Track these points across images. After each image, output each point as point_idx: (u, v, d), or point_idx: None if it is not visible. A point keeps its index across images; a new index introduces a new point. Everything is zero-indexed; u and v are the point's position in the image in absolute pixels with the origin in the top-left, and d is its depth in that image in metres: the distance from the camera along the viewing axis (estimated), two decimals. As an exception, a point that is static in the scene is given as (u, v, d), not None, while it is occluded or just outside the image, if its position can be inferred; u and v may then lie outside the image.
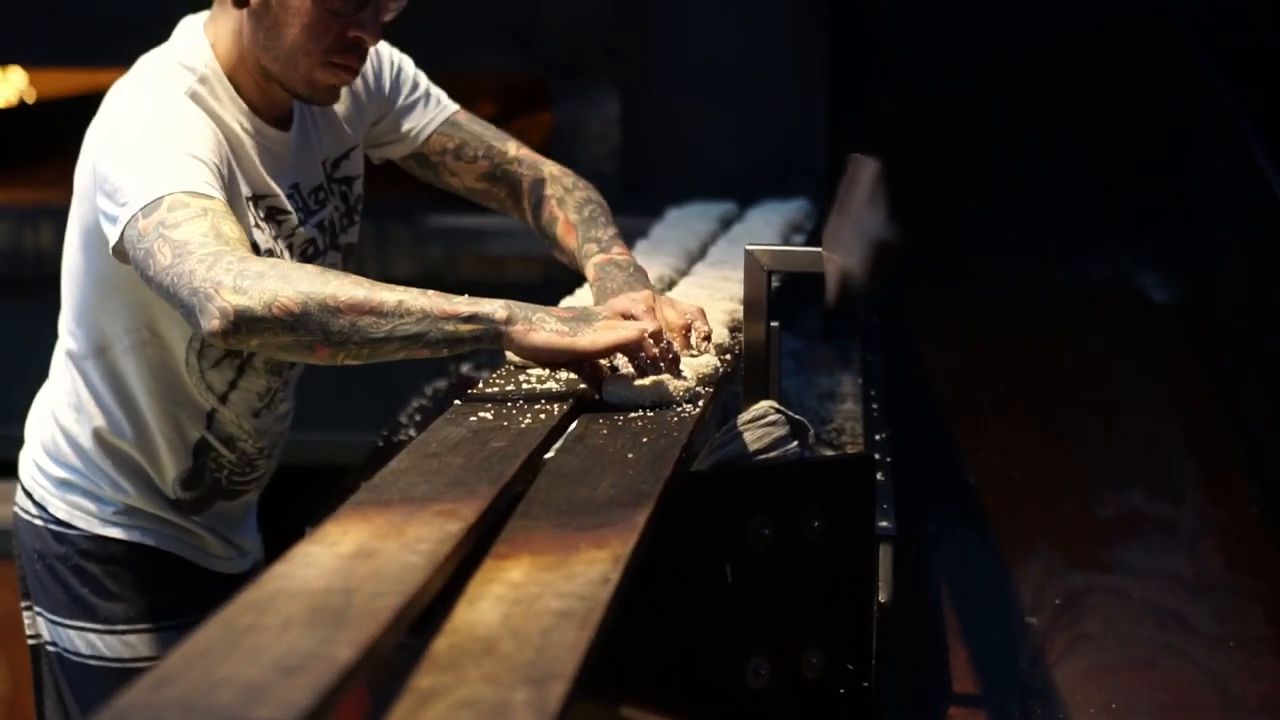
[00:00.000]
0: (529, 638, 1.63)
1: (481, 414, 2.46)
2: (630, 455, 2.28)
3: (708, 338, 2.74)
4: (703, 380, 2.63)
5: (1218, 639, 3.34)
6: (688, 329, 2.74)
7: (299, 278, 2.48)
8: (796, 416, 2.79)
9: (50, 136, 6.59)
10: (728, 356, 2.84)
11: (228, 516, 3.12)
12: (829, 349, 4.23)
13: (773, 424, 2.75)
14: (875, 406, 3.59)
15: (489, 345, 2.51)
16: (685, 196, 4.93)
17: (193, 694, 1.45)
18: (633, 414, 2.51)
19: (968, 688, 3.13)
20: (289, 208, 2.89)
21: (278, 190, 2.88)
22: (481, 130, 3.22)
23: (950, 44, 6.79)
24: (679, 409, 2.53)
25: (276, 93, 2.85)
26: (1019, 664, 3.21)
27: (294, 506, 3.35)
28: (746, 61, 5.60)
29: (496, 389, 2.61)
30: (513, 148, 3.19)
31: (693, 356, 2.70)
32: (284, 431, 3.14)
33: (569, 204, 3.11)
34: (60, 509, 3.05)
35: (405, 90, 3.17)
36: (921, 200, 5.71)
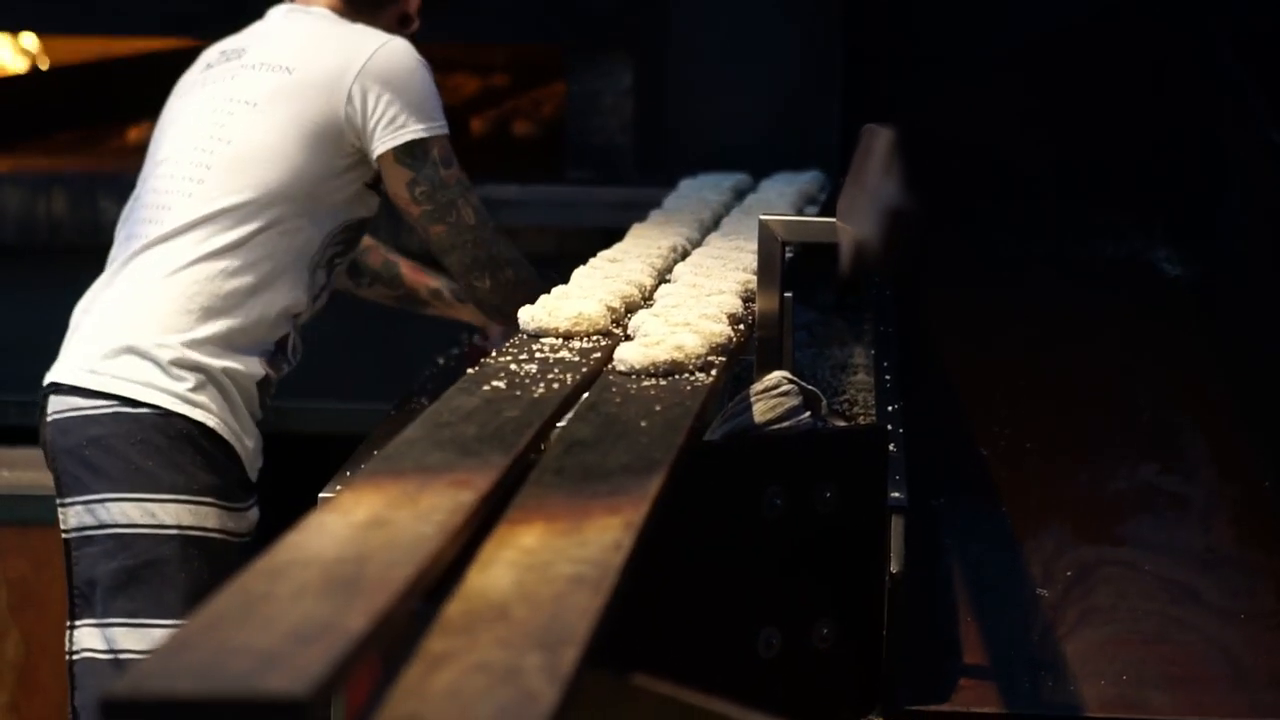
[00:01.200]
0: (542, 603, 1.64)
1: (494, 383, 2.46)
2: (643, 423, 2.29)
3: None
4: (715, 350, 2.63)
5: (1229, 613, 3.34)
6: None
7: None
8: (809, 387, 2.79)
9: (64, 104, 6.59)
10: (740, 326, 2.84)
11: (256, 428, 3.48)
12: (842, 321, 4.23)
13: (785, 394, 2.75)
14: (888, 378, 3.59)
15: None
16: (699, 168, 4.93)
17: (207, 661, 1.46)
18: (646, 382, 2.51)
19: (978, 659, 3.12)
20: None
21: None
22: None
23: (970, 23, 6.77)
24: (692, 378, 2.53)
25: None
26: (1030, 636, 3.21)
27: (307, 475, 3.35)
28: (762, 32, 5.59)
29: (509, 358, 2.61)
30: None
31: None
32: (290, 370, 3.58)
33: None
34: (133, 389, 3.31)
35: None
36: (935, 175, 5.70)
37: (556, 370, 2.54)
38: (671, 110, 5.58)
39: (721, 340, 2.67)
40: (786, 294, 2.85)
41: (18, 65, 7.30)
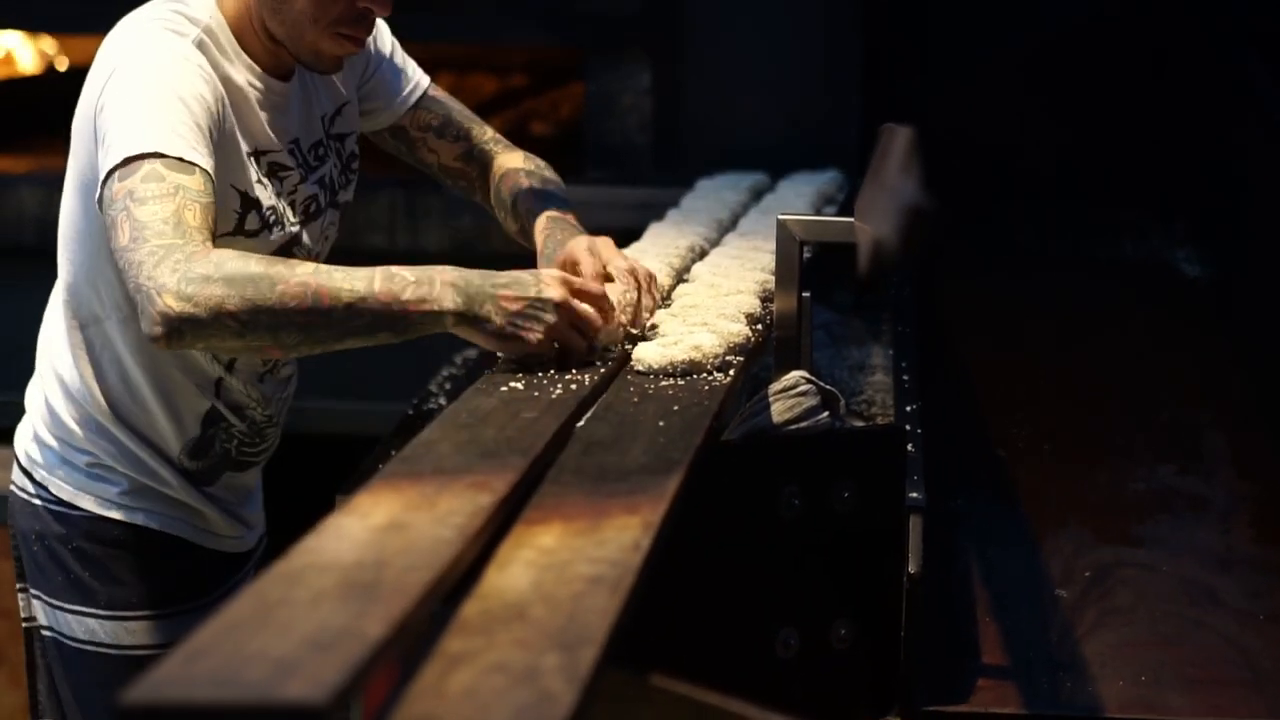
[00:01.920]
0: (560, 603, 1.63)
1: (512, 384, 2.46)
2: (661, 423, 2.29)
3: (651, 278, 2.85)
4: (733, 349, 2.63)
5: (1248, 614, 3.33)
6: (633, 271, 2.80)
7: (245, 281, 2.44)
8: (827, 387, 2.79)
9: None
10: (759, 326, 2.84)
11: (236, 489, 3.03)
12: (861, 322, 4.22)
13: (803, 394, 2.75)
14: (906, 379, 3.59)
15: (442, 330, 2.57)
16: (717, 168, 4.92)
17: (224, 668, 1.46)
18: (664, 382, 2.51)
19: (997, 660, 3.12)
20: (291, 163, 2.85)
21: (280, 145, 2.83)
22: (460, 108, 3.25)
23: (988, 22, 6.76)
24: (710, 378, 2.53)
25: (283, 54, 2.81)
26: (1048, 637, 3.20)
27: (324, 476, 3.35)
28: (779, 33, 5.59)
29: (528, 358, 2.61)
30: (488, 130, 3.26)
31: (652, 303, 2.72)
32: (288, 398, 3.07)
33: (534, 179, 3.17)
34: (63, 489, 2.93)
35: (388, 53, 3.14)
36: (954, 176, 5.70)
37: (574, 371, 2.53)
38: (689, 111, 5.58)
39: (739, 340, 2.67)
40: (805, 294, 2.85)
41: (36, 65, 7.31)
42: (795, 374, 2.80)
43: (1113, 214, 6.17)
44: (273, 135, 2.81)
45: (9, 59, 7.25)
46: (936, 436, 3.51)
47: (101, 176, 2.58)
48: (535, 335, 2.54)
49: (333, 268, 2.51)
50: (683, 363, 2.54)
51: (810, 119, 5.57)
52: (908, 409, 3.42)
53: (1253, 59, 6.36)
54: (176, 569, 2.96)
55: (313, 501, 2.85)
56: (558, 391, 2.43)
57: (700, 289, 3.00)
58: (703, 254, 3.43)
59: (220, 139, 2.67)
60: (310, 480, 3.54)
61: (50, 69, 7.36)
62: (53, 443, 2.94)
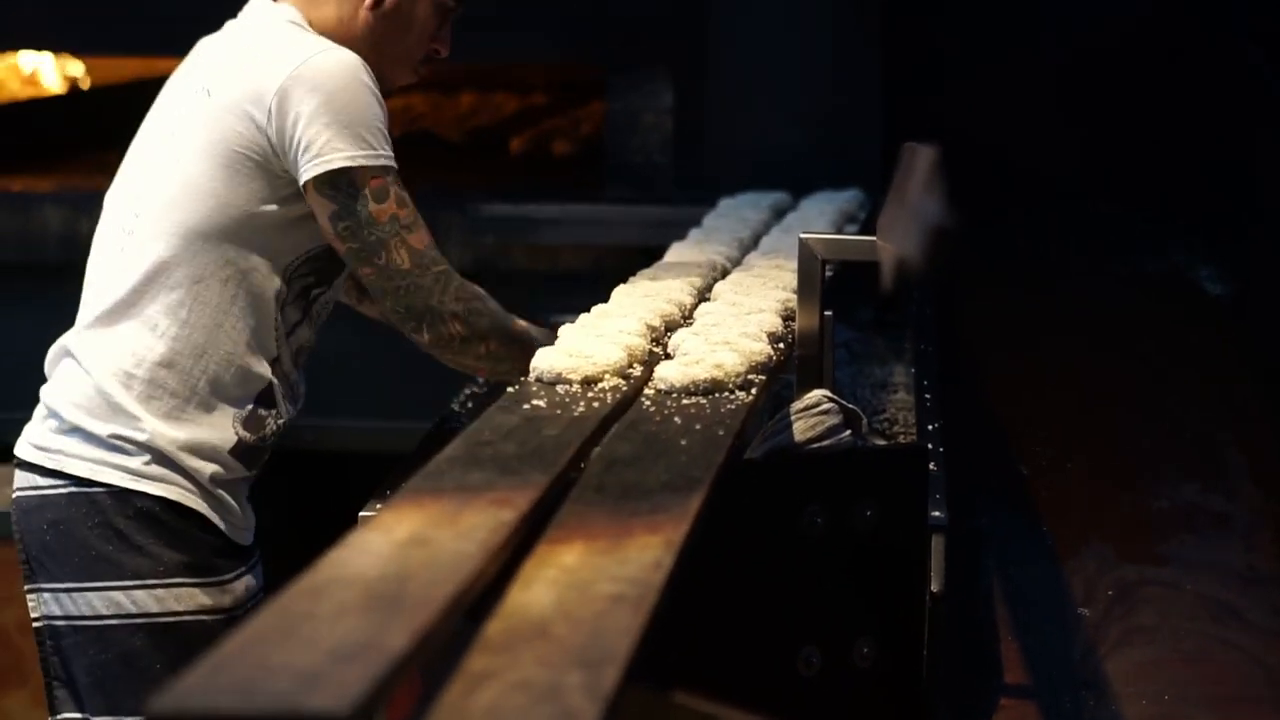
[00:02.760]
0: (582, 621, 1.64)
1: (535, 402, 2.47)
2: (683, 442, 2.29)
3: None
4: (755, 368, 2.63)
5: (1272, 632, 3.33)
6: None
7: (504, 319, 3.07)
8: (849, 405, 2.79)
9: (106, 124, 6.62)
10: (780, 345, 2.84)
11: (246, 486, 3.15)
12: (882, 340, 4.22)
13: (825, 412, 2.75)
14: (928, 397, 3.59)
15: None
16: (738, 186, 4.93)
17: (248, 680, 1.47)
18: (686, 400, 2.51)
19: (1019, 679, 3.12)
20: None
21: None
22: None
23: (1008, 40, 6.76)
24: (732, 396, 2.53)
25: None
26: (1071, 656, 3.20)
27: (347, 493, 3.36)
28: (802, 51, 5.59)
29: (552, 376, 2.61)
30: None
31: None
32: (302, 400, 3.19)
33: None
34: (80, 467, 3.02)
35: None
36: (976, 193, 5.70)
37: (596, 389, 2.54)
38: (711, 128, 5.58)
39: (761, 359, 2.67)
40: (827, 312, 2.85)
41: (61, 86, 7.34)
42: (817, 392, 2.81)
43: (1133, 228, 6.16)
44: None
45: (34, 79, 7.28)
46: (959, 454, 3.50)
47: (332, 166, 2.93)
48: None
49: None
50: (705, 381, 2.55)
51: (832, 137, 5.58)
52: (930, 427, 3.42)
53: (1270, 67, 6.35)
54: (199, 541, 3.05)
55: (337, 518, 2.85)
56: (580, 410, 2.43)
57: (722, 307, 3.00)
58: (725, 272, 3.43)
59: None
60: (334, 497, 3.54)
61: (75, 89, 7.39)
62: (75, 419, 3.03)
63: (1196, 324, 5.26)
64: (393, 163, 2.98)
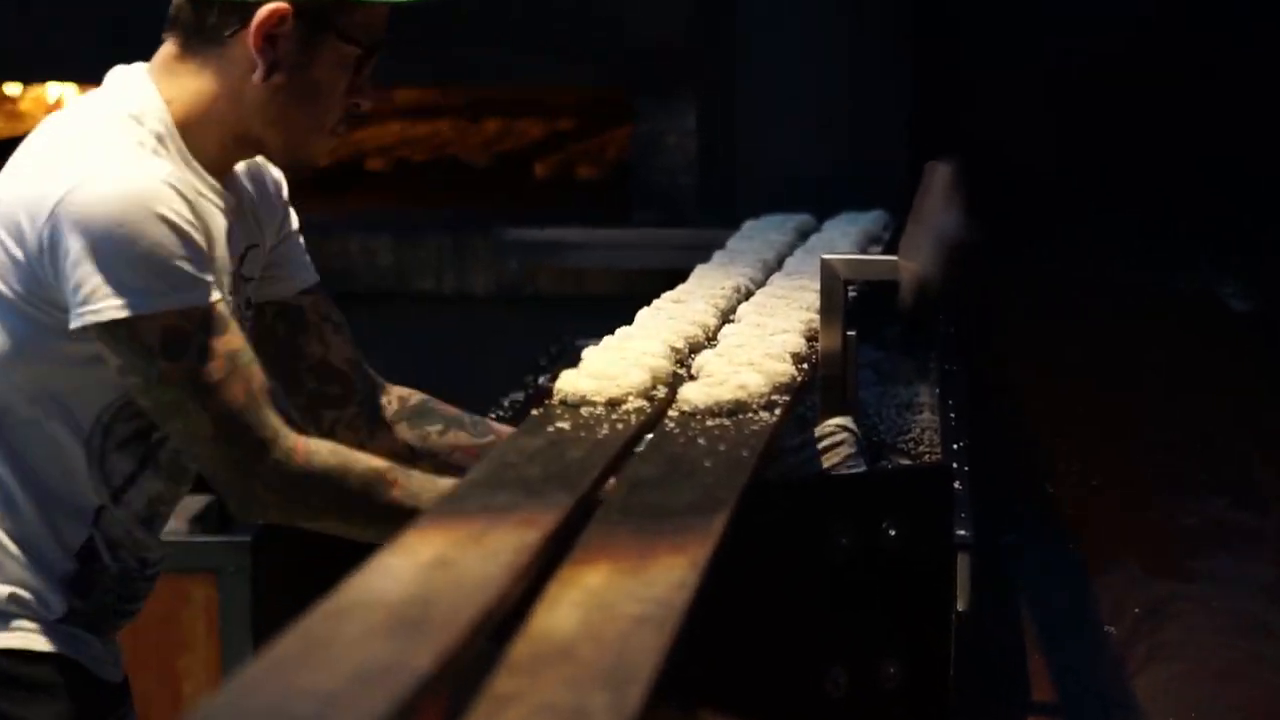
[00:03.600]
0: (607, 643, 1.64)
1: (559, 424, 2.47)
2: (708, 463, 2.29)
3: None
4: (779, 389, 2.64)
5: (1301, 648, 3.33)
6: None
7: (348, 493, 2.45)
8: (857, 433, 2.80)
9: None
10: (804, 365, 2.84)
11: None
12: (908, 360, 4.23)
13: (840, 442, 2.76)
14: (953, 416, 3.59)
15: None
16: (763, 209, 4.93)
17: (272, 704, 1.47)
18: (710, 422, 2.52)
19: (1047, 697, 3.12)
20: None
21: (233, 266, 2.59)
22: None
23: (1037, 56, 6.77)
24: (756, 417, 2.54)
25: (235, 159, 2.59)
26: (1099, 673, 3.20)
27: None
28: (826, 72, 5.61)
29: (575, 399, 2.61)
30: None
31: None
32: (161, 560, 2.69)
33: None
34: None
35: (296, 227, 2.79)
36: (1003, 212, 5.70)
37: (620, 411, 2.54)
38: (735, 151, 5.60)
39: (785, 379, 2.67)
40: (850, 332, 2.86)
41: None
42: (831, 424, 2.82)
43: (1162, 245, 6.16)
44: (227, 253, 2.56)
45: (59, 106, 7.31)
46: (985, 473, 3.51)
47: (97, 319, 2.37)
48: None
49: (423, 476, 2.49)
50: (729, 403, 2.55)
51: (857, 158, 5.59)
52: (955, 446, 3.42)
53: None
54: (63, 693, 2.56)
55: (367, 546, 2.85)
56: (604, 432, 2.44)
57: (746, 329, 3.01)
58: (748, 294, 3.44)
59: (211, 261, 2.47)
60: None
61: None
62: None
63: (1221, 340, 5.25)
64: (204, 300, 2.39)
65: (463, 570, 1.81)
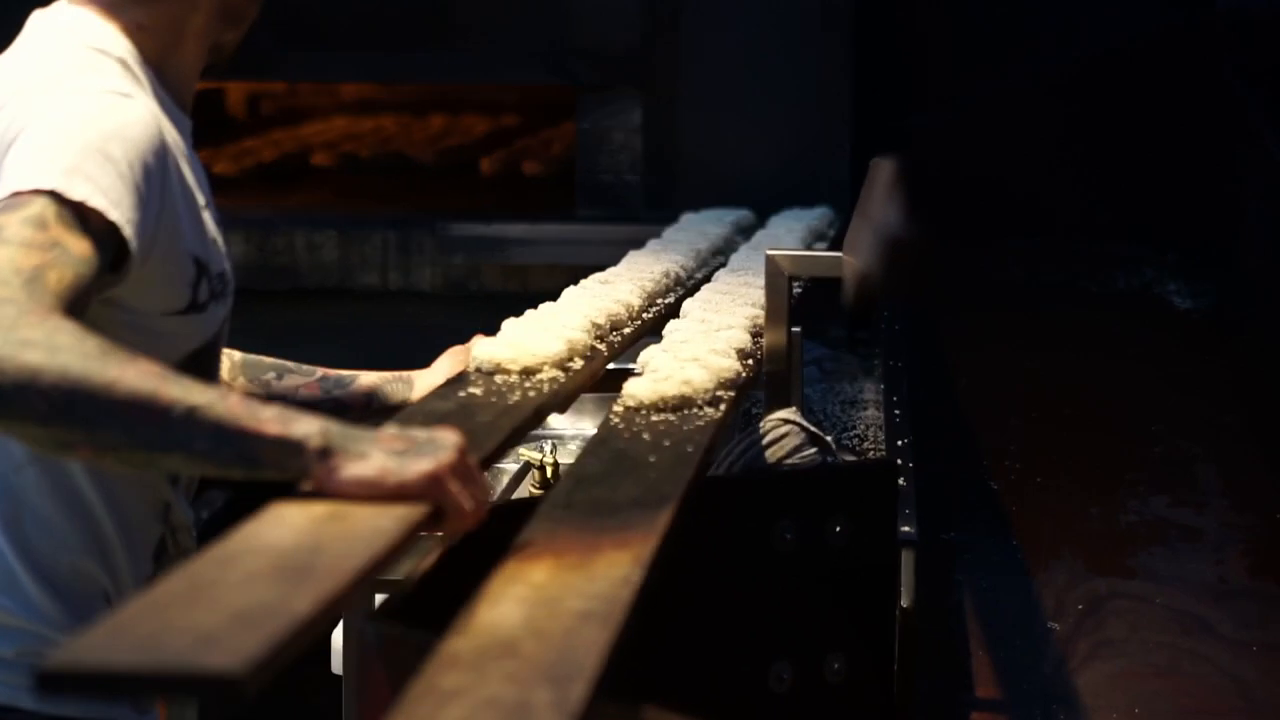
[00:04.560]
0: (551, 638, 1.64)
1: (471, 389, 2.49)
2: (652, 459, 2.29)
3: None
4: (724, 384, 2.64)
5: (1242, 644, 3.34)
6: None
7: (74, 356, 1.92)
8: (812, 429, 2.80)
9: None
10: (750, 361, 2.84)
11: None
12: (853, 357, 4.23)
13: (785, 435, 2.76)
14: (898, 413, 3.60)
15: (291, 476, 1.95)
16: (709, 205, 4.94)
17: (146, 639, 1.49)
18: (655, 417, 2.52)
19: (991, 693, 3.13)
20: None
21: (208, 199, 2.40)
22: None
23: (982, 56, 6.79)
24: (701, 412, 2.54)
25: (196, 83, 2.41)
26: (1042, 670, 3.21)
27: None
28: (772, 70, 5.61)
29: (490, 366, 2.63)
30: None
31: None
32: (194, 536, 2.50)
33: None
34: None
35: None
36: (948, 212, 5.72)
37: (534, 379, 2.56)
38: (681, 148, 5.60)
39: (730, 375, 2.67)
40: (794, 328, 2.86)
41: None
42: (776, 416, 2.82)
43: (1106, 246, 6.18)
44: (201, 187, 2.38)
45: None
46: (929, 470, 3.52)
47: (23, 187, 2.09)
48: (421, 467, 1.92)
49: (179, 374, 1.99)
50: (674, 398, 2.55)
51: (802, 156, 5.59)
52: (900, 442, 3.43)
53: (1251, 94, 6.38)
54: None
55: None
56: (514, 398, 2.46)
57: (691, 324, 3.01)
58: (678, 280, 3.45)
59: (177, 197, 2.27)
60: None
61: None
62: None
63: (1168, 340, 5.28)
64: (108, 217, 2.10)
65: (355, 523, 1.81)
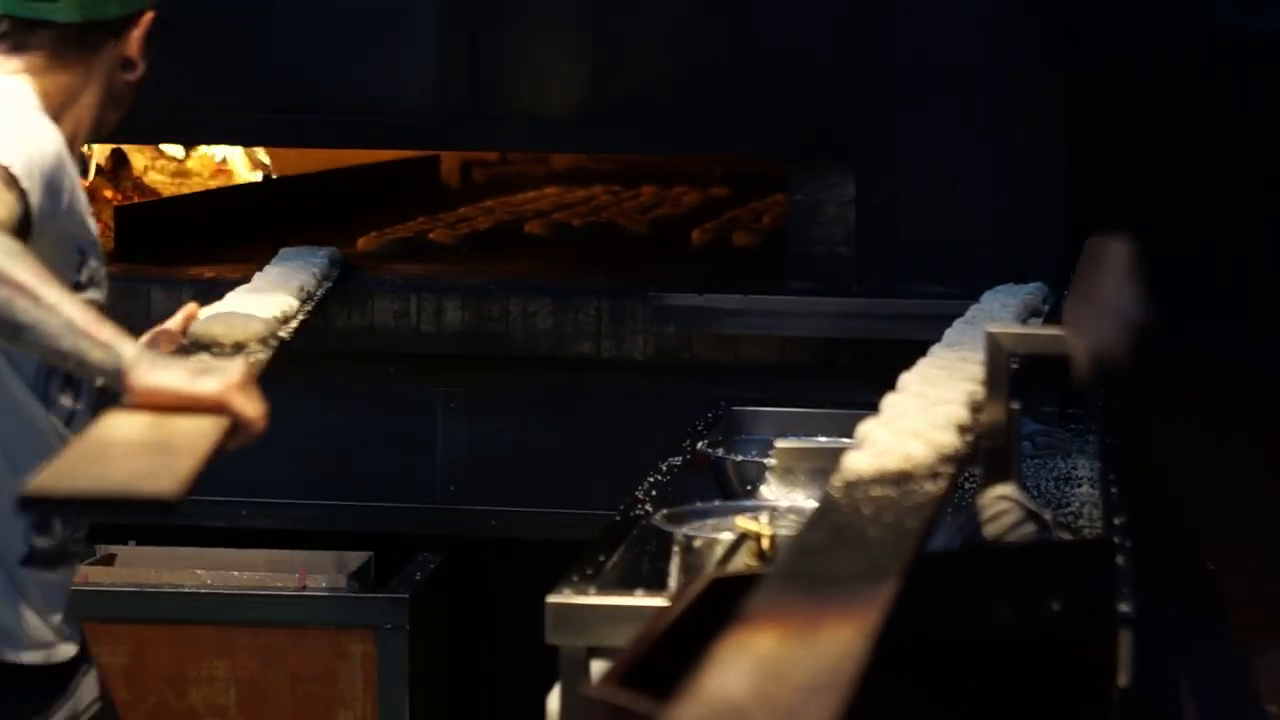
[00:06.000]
0: (779, 709, 1.66)
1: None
2: (872, 532, 2.30)
3: None
4: (944, 459, 2.65)
5: None
6: None
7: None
8: (1031, 506, 2.79)
9: (292, 212, 6.74)
10: (968, 437, 2.85)
11: (51, 588, 2.97)
12: (1066, 433, 4.21)
13: (1004, 511, 2.76)
14: (1114, 490, 3.57)
15: (111, 381, 2.60)
16: (921, 279, 4.94)
17: (93, 478, 2.28)
18: (874, 491, 2.53)
19: (1207, 776, 3.09)
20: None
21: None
22: None
23: (1196, 134, 6.73)
24: (920, 487, 2.55)
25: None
26: (1260, 753, 3.17)
27: (531, 581, 3.39)
28: (983, 143, 5.60)
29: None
30: None
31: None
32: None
33: None
34: None
35: None
36: (1158, 286, 5.66)
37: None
38: (893, 221, 5.60)
39: (950, 450, 2.68)
40: (1014, 404, 2.86)
41: (252, 174, 7.49)
42: (999, 490, 2.82)
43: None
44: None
45: (225, 168, 7.44)
46: (1144, 548, 3.49)
47: None
48: (214, 382, 2.56)
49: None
50: (894, 472, 2.56)
51: (1014, 231, 5.57)
52: (1116, 521, 3.41)
53: None
54: None
55: (522, 606, 2.88)
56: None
57: (909, 399, 3.02)
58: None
59: (76, 197, 2.94)
60: (520, 584, 3.58)
61: (267, 178, 7.54)
62: None
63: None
64: (18, 186, 2.76)
65: (181, 424, 2.51)
